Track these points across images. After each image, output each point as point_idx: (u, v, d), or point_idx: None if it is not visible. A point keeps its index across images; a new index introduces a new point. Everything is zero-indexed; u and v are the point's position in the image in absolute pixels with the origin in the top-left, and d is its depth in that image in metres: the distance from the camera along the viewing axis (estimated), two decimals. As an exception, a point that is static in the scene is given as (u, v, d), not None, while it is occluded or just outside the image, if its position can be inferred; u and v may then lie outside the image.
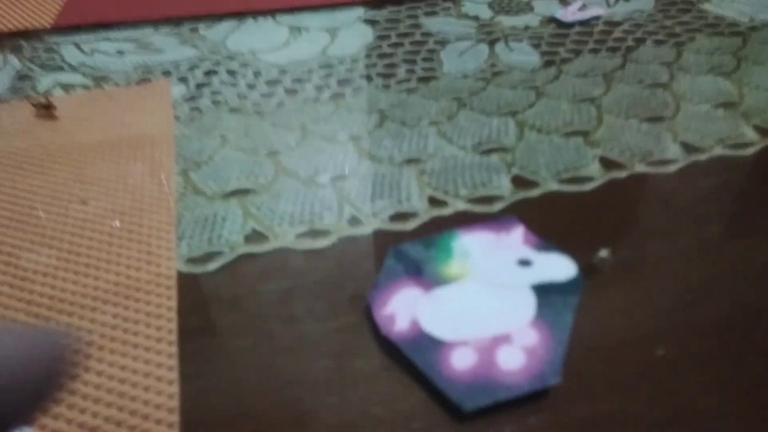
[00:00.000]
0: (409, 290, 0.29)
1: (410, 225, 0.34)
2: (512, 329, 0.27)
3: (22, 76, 0.49)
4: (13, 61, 0.51)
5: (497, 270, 0.30)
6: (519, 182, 0.36)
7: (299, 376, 0.26)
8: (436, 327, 0.27)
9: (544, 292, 0.28)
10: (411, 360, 0.26)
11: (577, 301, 0.28)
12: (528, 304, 0.28)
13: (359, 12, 0.57)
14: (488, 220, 0.33)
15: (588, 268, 0.30)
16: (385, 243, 0.32)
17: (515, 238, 0.31)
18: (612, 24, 0.54)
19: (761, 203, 0.34)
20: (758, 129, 0.40)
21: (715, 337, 0.27)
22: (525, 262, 0.30)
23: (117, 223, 0.33)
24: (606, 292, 0.29)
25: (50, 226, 0.34)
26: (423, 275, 0.29)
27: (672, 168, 0.37)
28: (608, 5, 0.57)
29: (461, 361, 0.25)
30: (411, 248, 0.31)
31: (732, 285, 0.29)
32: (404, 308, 0.28)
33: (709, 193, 0.35)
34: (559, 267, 0.30)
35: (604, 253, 0.30)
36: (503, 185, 0.36)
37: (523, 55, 0.49)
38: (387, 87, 0.46)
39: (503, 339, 0.26)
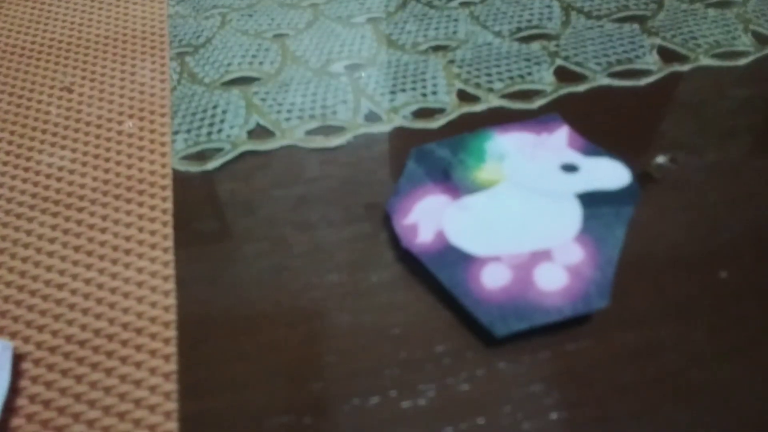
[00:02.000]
0: (435, 197, 0.25)
1: (436, 123, 0.29)
2: (554, 244, 0.23)
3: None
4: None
5: (537, 175, 0.26)
6: (563, 75, 0.31)
7: (312, 287, 0.23)
8: (465, 240, 0.23)
9: (592, 201, 0.24)
10: (436, 276, 0.23)
11: (630, 214, 0.24)
12: (573, 216, 0.24)
13: None
14: (527, 118, 0.29)
15: (643, 176, 0.26)
16: (408, 143, 0.28)
17: (558, 140, 0.27)
18: None
19: None
20: None
21: (786, 259, 0.23)
22: (570, 167, 0.26)
23: (130, 124, 0.29)
24: (663, 205, 0.25)
25: (28, 123, 0.30)
26: (451, 180, 0.26)
27: (743, 61, 0.32)
28: None
29: (493, 278, 0.22)
30: (437, 149, 0.27)
31: (809, 199, 0.25)
32: (428, 218, 0.24)
33: (786, 92, 0.30)
34: (610, 173, 0.25)
35: (661, 159, 0.26)
36: (545, 78, 0.31)
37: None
38: (411, -39, 0.39)
39: (543, 255, 0.23)
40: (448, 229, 0.24)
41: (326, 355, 0.21)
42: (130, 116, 0.30)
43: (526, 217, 0.24)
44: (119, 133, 0.29)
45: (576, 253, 0.23)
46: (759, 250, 0.24)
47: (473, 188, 0.25)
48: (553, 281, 0.22)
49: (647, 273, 0.23)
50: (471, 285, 0.22)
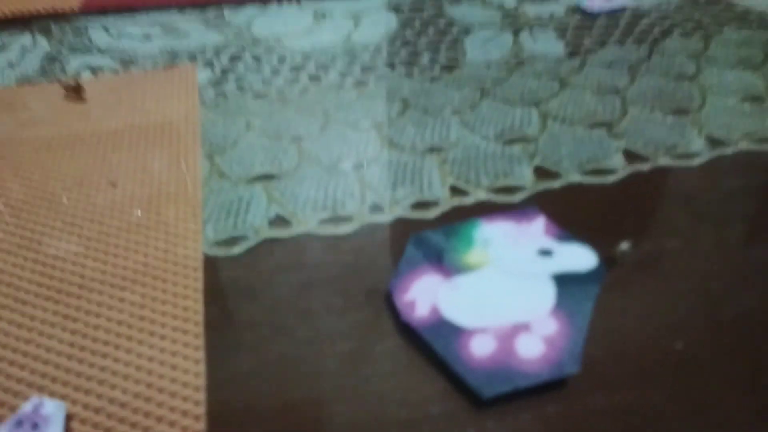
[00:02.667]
0: (430, 277, 0.29)
1: (431, 213, 0.34)
2: (532, 318, 0.27)
3: (51, 58, 0.50)
4: (43, 42, 0.52)
5: (518, 259, 0.30)
6: (541, 173, 0.36)
7: (318, 366, 0.27)
8: (456, 314, 0.27)
9: (565, 282, 0.29)
10: (431, 346, 0.26)
11: (597, 292, 0.28)
12: (548, 294, 0.28)
13: (383, -2, 0.57)
14: (509, 210, 0.33)
15: (608, 260, 0.30)
16: (407, 231, 0.33)
17: (536, 228, 0.32)
18: (639, 15, 0.53)
19: (786, 199, 0.34)
20: (786, 124, 0.40)
21: (734, 334, 0.27)
22: (545, 252, 0.30)
23: (139, 213, 0.34)
24: (626, 285, 0.29)
25: (78, 214, 0.35)
26: (444, 263, 0.30)
27: (696, 162, 0.37)
28: (635, -5, 0.56)
29: (481, 348, 0.26)
30: (432, 236, 0.31)
31: (753, 283, 0.29)
32: (425, 295, 0.28)
33: (734, 190, 0.35)
34: (580, 257, 0.30)
35: (625, 245, 0.30)
36: (525, 176, 0.36)
37: (547, 45, 0.49)
38: (410, 75, 0.46)
39: (523, 327, 0.27)
40: (442, 305, 0.28)
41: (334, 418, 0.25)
42: (167, 207, 0.35)
43: (508, 294, 0.28)
44: (157, 222, 0.34)
45: (551, 326, 0.27)
46: (709, 325, 0.27)
47: (463, 270, 0.29)
48: (532, 350, 0.26)
49: (613, 343, 0.27)
50: (461, 353, 0.26)
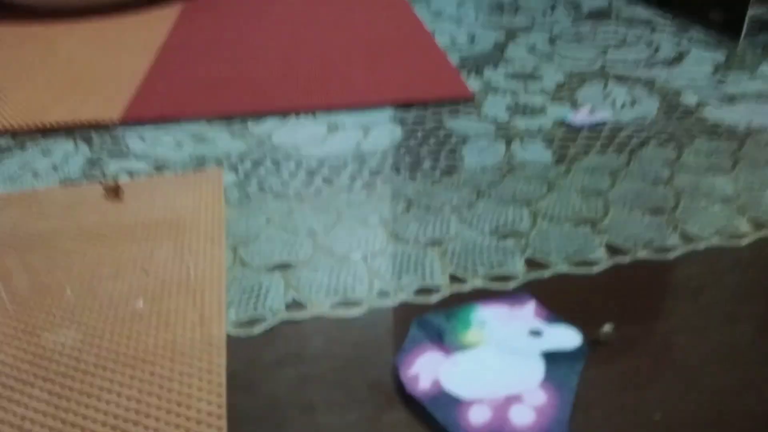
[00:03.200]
0: (432, 354, 0.32)
1: (433, 299, 0.38)
2: (523, 390, 0.30)
3: (92, 162, 0.56)
4: (84, 149, 0.59)
5: (510, 338, 0.33)
6: (532, 264, 0.40)
7: None
8: (455, 386, 0.30)
9: (553, 358, 0.32)
10: (433, 415, 0.29)
11: (581, 367, 0.31)
12: (538, 369, 0.31)
13: (389, 112, 0.64)
14: (503, 295, 0.37)
15: (593, 341, 0.33)
16: (410, 314, 0.36)
17: (527, 312, 0.35)
18: (618, 127, 0.60)
19: (748, 291, 0.38)
20: (752, 222, 0.44)
21: (707, 404, 0.30)
22: (536, 333, 0.33)
23: (141, 304, 0.37)
24: (609, 363, 0.32)
25: (114, 296, 0.39)
26: (444, 342, 0.33)
27: (671, 255, 0.41)
28: (614, 110, 0.63)
29: (478, 417, 0.29)
30: (434, 318, 0.35)
31: (727, 356, 0.32)
32: (427, 370, 0.31)
33: (705, 279, 0.39)
34: (566, 337, 0.33)
35: (607, 327, 0.34)
36: (517, 266, 0.40)
37: (536, 153, 0.55)
38: (413, 178, 0.51)
39: (515, 398, 0.29)
40: (443, 379, 0.31)
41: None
42: (193, 292, 0.39)
43: (502, 369, 0.31)
44: (185, 304, 0.37)
45: (541, 397, 0.30)
46: (687, 395, 0.30)
47: (461, 347, 0.33)
48: (524, 418, 0.28)
49: (596, 415, 0.29)
50: (461, 422, 0.29)
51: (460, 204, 0.47)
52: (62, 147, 0.59)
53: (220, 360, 0.33)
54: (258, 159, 0.55)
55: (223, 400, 0.31)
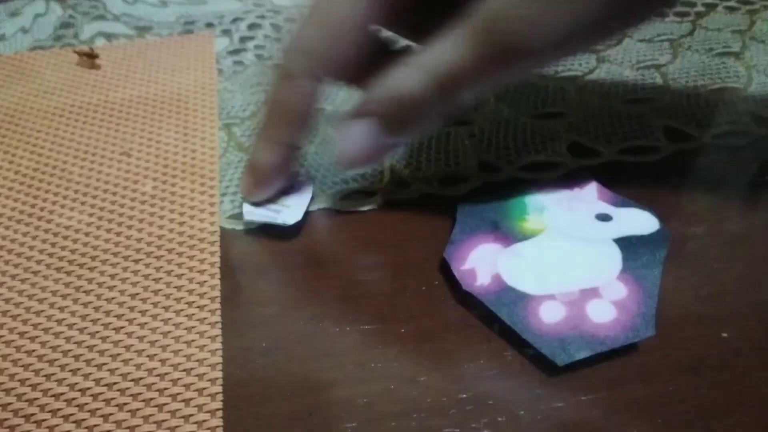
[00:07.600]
0: (488, 245, 0.28)
1: (461, 189, 0.32)
2: (600, 283, 0.26)
3: (64, 24, 0.48)
4: (56, 8, 0.51)
5: (576, 224, 0.28)
6: (578, 149, 0.34)
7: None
8: (519, 281, 0.26)
9: (629, 245, 0.27)
10: (497, 315, 0.25)
11: (664, 255, 0.27)
12: (613, 258, 0.27)
13: (408, -32, 0.55)
14: (558, 177, 0.32)
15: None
16: (436, 206, 0.31)
17: (589, 194, 0.30)
18: (678, -13, 0.50)
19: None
20: (839, 103, 0.37)
21: (789, 322, 0.25)
22: (604, 217, 0.29)
23: (149, 187, 0.32)
24: (672, 270, 0.27)
25: (91, 184, 0.33)
26: (500, 230, 0.28)
27: (743, 140, 0.35)
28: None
29: (550, 314, 0.25)
30: (482, 204, 0.30)
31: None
32: (484, 263, 0.27)
33: (784, 169, 0.33)
34: (641, 221, 0.28)
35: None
36: (562, 152, 0.34)
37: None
38: (437, 46, 0.44)
39: (591, 293, 0.25)
40: (504, 273, 0.26)
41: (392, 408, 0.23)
42: (182, 179, 0.33)
43: (571, 259, 0.27)
44: (172, 193, 0.32)
45: (621, 290, 0.25)
46: (757, 313, 0.26)
47: (521, 237, 0.28)
48: (603, 315, 0.24)
49: (683, 307, 0.26)
50: (530, 321, 0.24)
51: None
52: (31, 6, 0.51)
53: (213, 258, 0.29)
54: (255, 21, 0.47)
55: (217, 292, 0.27)
